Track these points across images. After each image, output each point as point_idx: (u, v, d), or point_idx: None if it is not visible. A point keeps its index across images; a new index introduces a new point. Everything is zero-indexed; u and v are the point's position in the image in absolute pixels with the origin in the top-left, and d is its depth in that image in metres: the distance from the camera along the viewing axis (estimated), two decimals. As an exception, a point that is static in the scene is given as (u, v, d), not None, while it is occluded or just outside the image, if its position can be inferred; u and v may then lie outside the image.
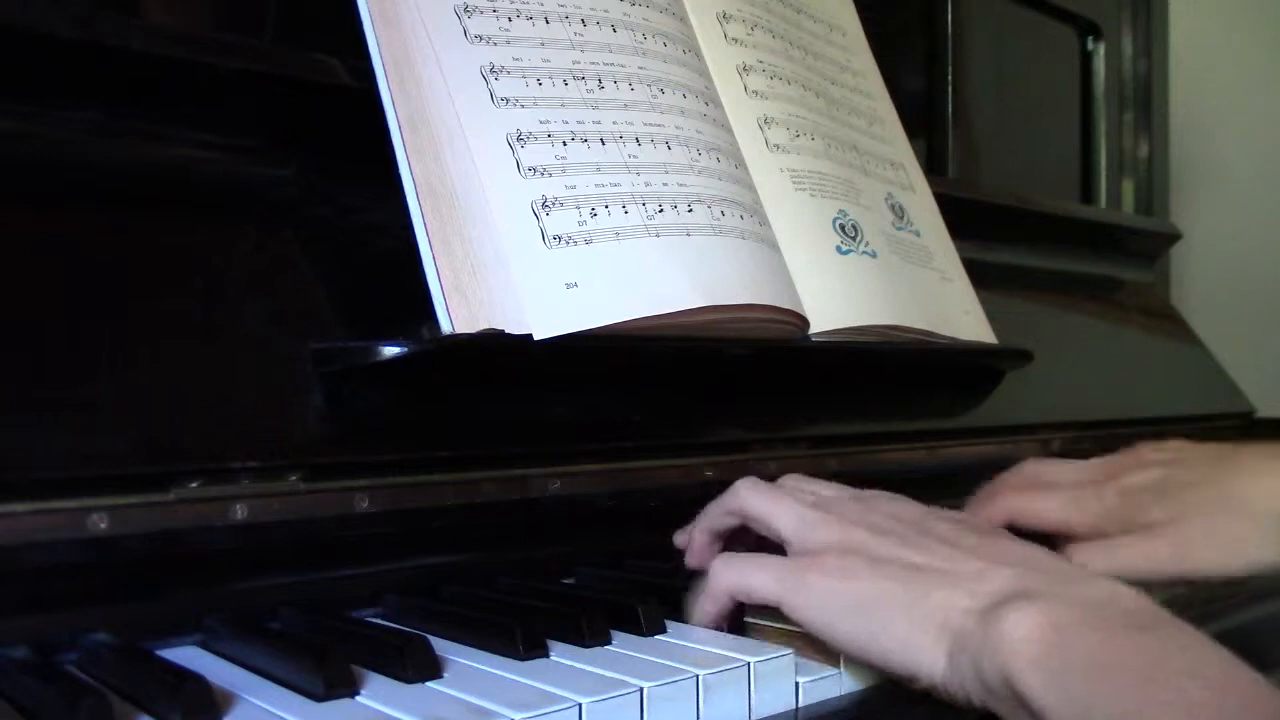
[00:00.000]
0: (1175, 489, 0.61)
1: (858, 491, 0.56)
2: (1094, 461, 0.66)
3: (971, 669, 0.44)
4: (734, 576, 0.52)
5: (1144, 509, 0.60)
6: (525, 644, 0.48)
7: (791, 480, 0.57)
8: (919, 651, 0.46)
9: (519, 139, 0.58)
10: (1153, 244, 1.27)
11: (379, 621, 0.56)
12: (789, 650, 0.48)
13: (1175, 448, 0.66)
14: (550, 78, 0.60)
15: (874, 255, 0.75)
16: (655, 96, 0.64)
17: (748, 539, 0.57)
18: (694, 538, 0.58)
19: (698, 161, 0.64)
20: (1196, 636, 0.41)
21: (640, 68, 0.64)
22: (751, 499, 0.55)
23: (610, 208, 0.59)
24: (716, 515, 0.57)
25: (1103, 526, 0.61)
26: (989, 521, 0.61)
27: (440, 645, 0.49)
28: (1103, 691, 0.39)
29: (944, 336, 0.78)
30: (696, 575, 0.55)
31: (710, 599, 0.52)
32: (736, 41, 0.74)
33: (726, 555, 0.54)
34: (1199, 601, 0.66)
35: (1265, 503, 0.58)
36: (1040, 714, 0.41)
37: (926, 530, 0.51)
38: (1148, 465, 0.64)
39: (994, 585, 0.45)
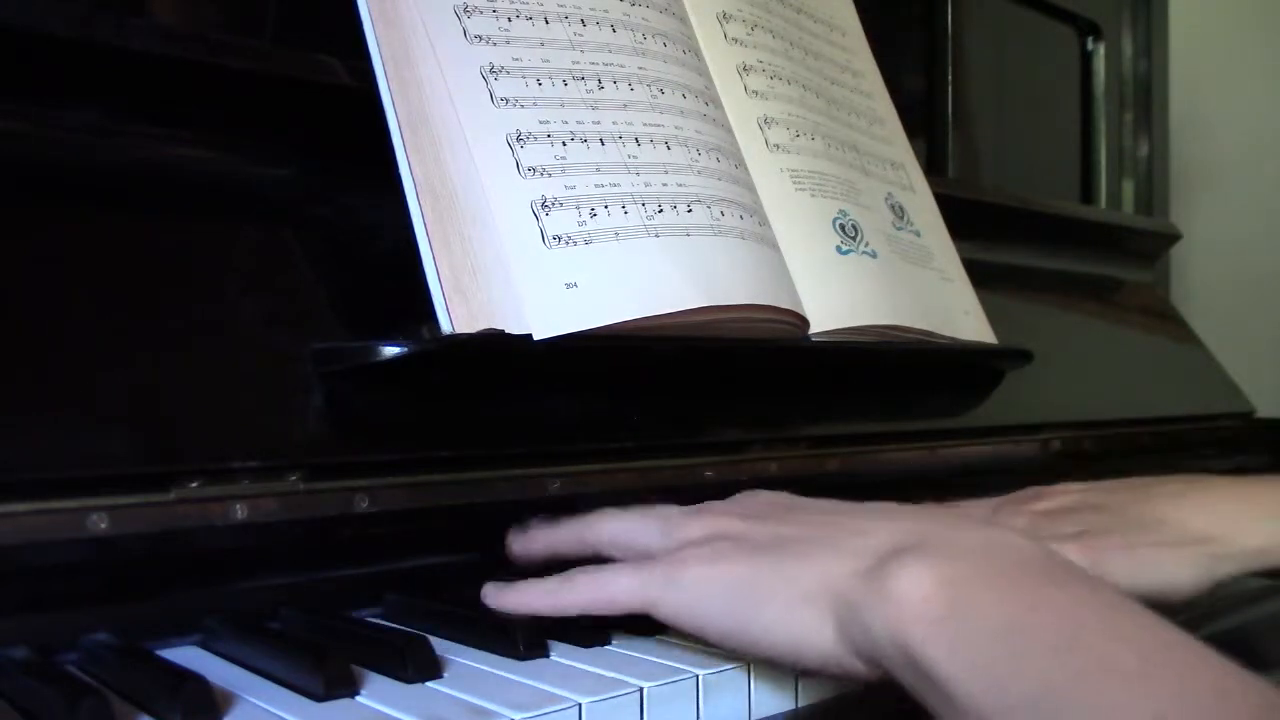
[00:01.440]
0: (1088, 511, 0.60)
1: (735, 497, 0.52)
2: (1012, 494, 0.66)
3: (864, 637, 0.39)
4: (590, 590, 0.47)
5: (1057, 526, 0.59)
6: (525, 644, 0.48)
7: (660, 507, 0.54)
8: (801, 627, 0.41)
9: (519, 139, 0.58)
10: (1153, 244, 1.27)
11: (379, 621, 0.56)
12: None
13: (1091, 485, 0.65)
14: (550, 78, 0.60)
15: (874, 255, 0.75)
16: (655, 97, 0.64)
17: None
18: (530, 542, 0.54)
19: (697, 161, 0.64)
20: (1106, 591, 0.38)
21: (640, 68, 0.64)
22: (607, 524, 0.51)
23: (610, 208, 0.59)
24: (565, 539, 0.53)
25: None
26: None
27: (440, 645, 0.49)
28: (1016, 661, 0.35)
29: (944, 336, 0.78)
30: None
31: (560, 608, 0.48)
32: (736, 41, 0.74)
33: (585, 568, 0.49)
34: (1197, 603, 0.66)
35: (1180, 528, 0.57)
36: (944, 685, 0.36)
37: (802, 507, 0.48)
38: (1056, 494, 0.63)
39: (873, 542, 0.41)
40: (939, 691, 0.37)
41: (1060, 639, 0.35)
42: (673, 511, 0.50)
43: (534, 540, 0.55)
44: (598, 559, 0.52)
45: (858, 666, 0.41)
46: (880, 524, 0.43)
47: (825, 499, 0.50)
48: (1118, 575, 0.54)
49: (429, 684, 0.45)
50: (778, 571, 0.43)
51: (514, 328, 0.54)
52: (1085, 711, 0.33)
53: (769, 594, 0.43)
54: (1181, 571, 0.56)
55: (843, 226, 0.73)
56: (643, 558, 0.48)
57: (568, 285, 0.56)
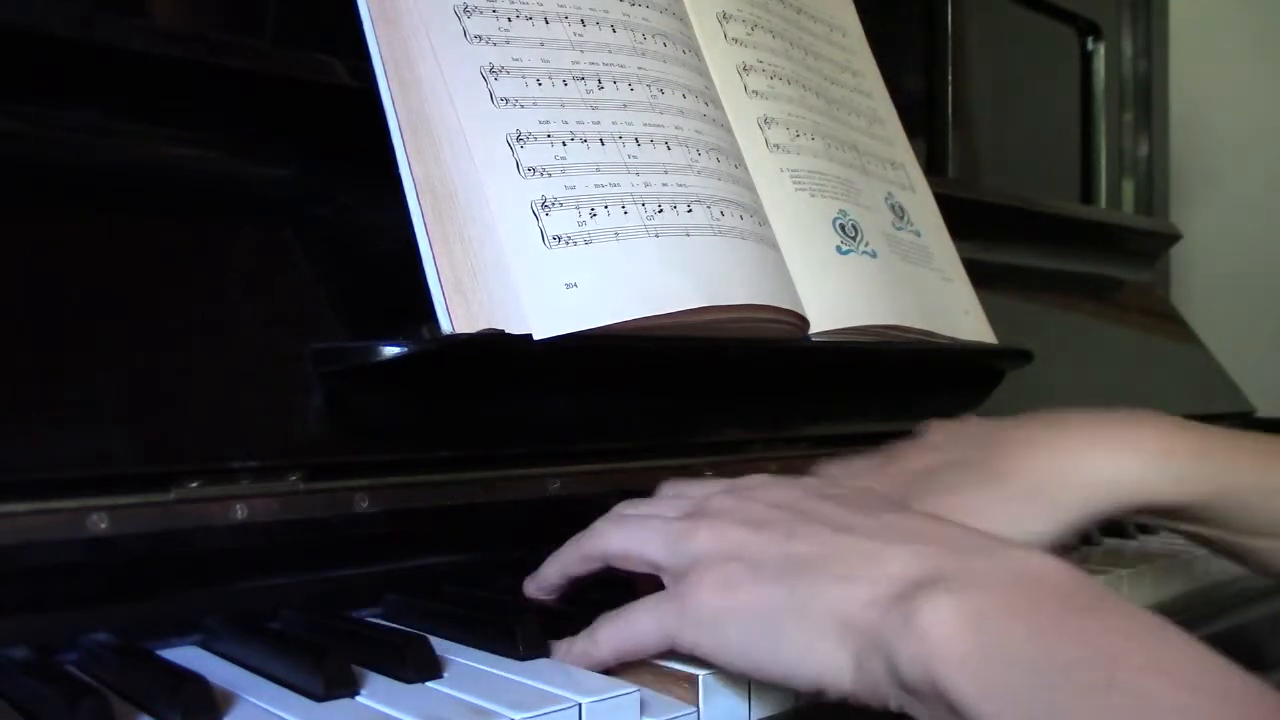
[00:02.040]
0: (939, 470, 0.59)
1: (732, 481, 0.51)
2: (873, 453, 0.64)
3: (886, 672, 0.38)
4: (618, 640, 0.46)
5: (916, 490, 0.57)
6: (525, 644, 0.48)
7: (666, 489, 0.53)
8: (821, 659, 0.40)
9: (519, 139, 0.58)
10: (1153, 244, 1.27)
11: (379, 621, 0.56)
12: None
13: (958, 425, 0.63)
14: (550, 78, 0.60)
15: (874, 255, 0.75)
16: (655, 97, 0.64)
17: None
18: (545, 578, 0.53)
19: (697, 161, 0.64)
20: (1145, 617, 0.36)
21: (640, 68, 0.64)
22: (611, 538, 0.50)
23: (610, 208, 0.59)
24: (574, 562, 0.52)
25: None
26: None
27: (440, 645, 0.49)
28: (1051, 701, 0.34)
29: (944, 336, 0.78)
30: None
31: (595, 664, 0.47)
32: (736, 41, 0.74)
33: (606, 616, 0.47)
34: (1196, 603, 0.66)
35: (1023, 478, 0.56)
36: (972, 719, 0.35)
37: (810, 514, 0.46)
38: (921, 449, 0.62)
39: (894, 569, 0.40)
40: None
41: (1096, 675, 0.34)
42: (673, 512, 0.49)
43: (546, 575, 0.54)
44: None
45: (880, 700, 0.40)
46: (897, 547, 0.41)
47: (830, 494, 0.48)
48: None
49: (429, 684, 0.45)
50: (795, 601, 0.42)
51: (514, 328, 0.54)
52: None
53: (787, 627, 0.42)
54: (1030, 526, 0.55)
55: (843, 226, 0.73)
56: (651, 569, 0.48)
57: (568, 285, 0.56)
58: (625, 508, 0.53)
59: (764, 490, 0.49)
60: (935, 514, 0.47)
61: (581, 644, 0.47)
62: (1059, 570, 0.39)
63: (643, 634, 0.46)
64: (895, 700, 0.39)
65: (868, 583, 0.40)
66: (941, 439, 0.62)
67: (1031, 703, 0.34)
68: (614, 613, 0.47)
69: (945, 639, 0.36)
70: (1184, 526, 0.58)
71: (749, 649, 0.42)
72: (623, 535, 0.50)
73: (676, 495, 0.52)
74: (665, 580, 0.47)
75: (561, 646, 0.48)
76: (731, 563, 0.44)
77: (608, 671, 0.46)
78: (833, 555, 0.43)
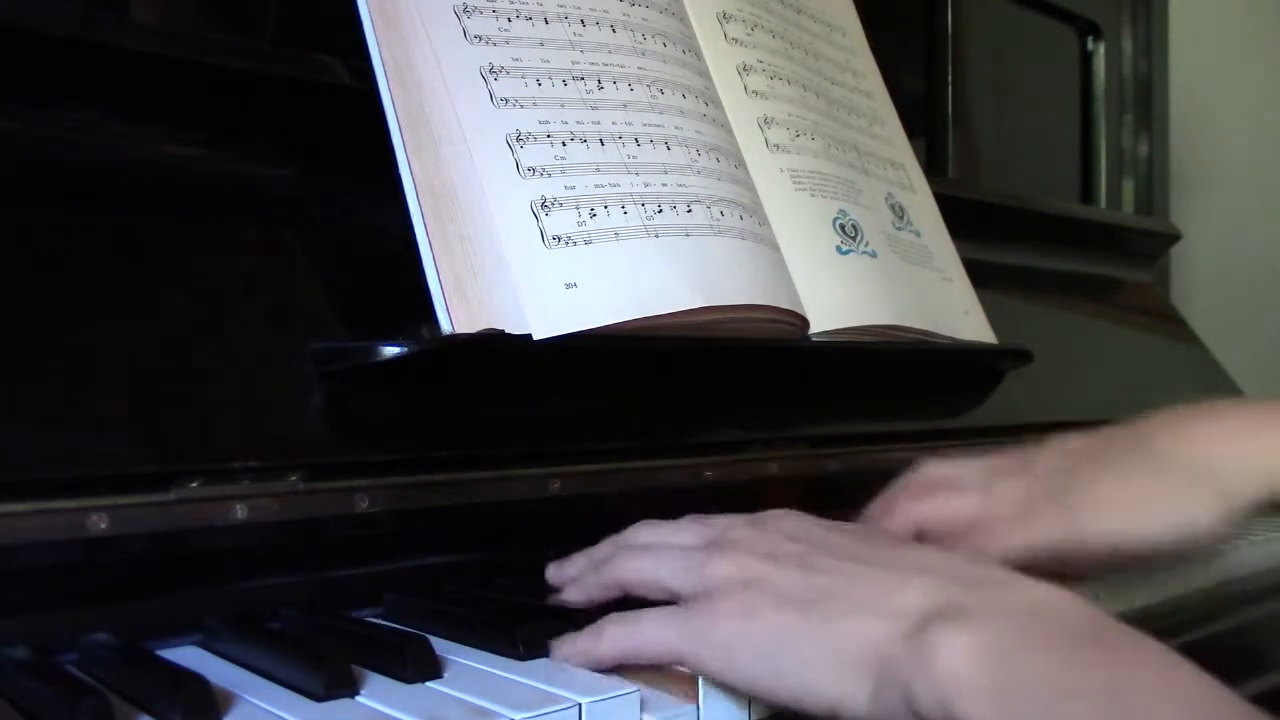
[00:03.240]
0: (1089, 463, 0.57)
1: (751, 515, 0.51)
2: (999, 456, 0.62)
3: (903, 702, 0.39)
4: (623, 642, 0.46)
5: (1061, 486, 0.56)
6: (525, 644, 0.48)
7: (686, 520, 0.53)
8: (836, 687, 0.41)
9: (518, 139, 0.58)
10: (1153, 244, 1.27)
11: (379, 621, 0.55)
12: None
13: (1078, 436, 0.61)
14: (550, 78, 0.60)
15: (874, 255, 0.75)
16: (655, 97, 0.64)
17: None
18: (568, 600, 0.53)
19: (697, 162, 0.64)
20: (1155, 647, 0.37)
21: (640, 68, 0.64)
22: (629, 566, 0.50)
23: (609, 208, 0.59)
24: (594, 588, 0.52)
25: (1023, 514, 0.56)
26: (893, 533, 0.57)
27: (440, 645, 0.49)
28: None
29: (944, 336, 0.78)
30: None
31: (593, 662, 0.47)
32: (736, 41, 0.74)
33: (614, 616, 0.48)
34: (1196, 603, 0.66)
35: (1182, 465, 0.54)
36: None
37: (827, 547, 0.46)
38: (1055, 451, 0.60)
39: (910, 601, 0.41)
40: None
41: (1109, 705, 0.35)
42: (695, 543, 0.49)
43: (571, 598, 0.53)
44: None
45: None
46: (913, 580, 0.42)
47: (848, 530, 0.49)
48: (1136, 527, 0.53)
49: (429, 684, 0.45)
50: (813, 630, 0.42)
51: (514, 328, 0.54)
52: None
53: (805, 653, 0.42)
54: (1197, 513, 0.54)
55: (843, 226, 0.73)
56: (668, 596, 0.48)
57: (567, 285, 0.56)
58: (643, 530, 0.53)
59: (779, 522, 0.49)
60: (1082, 501, 0.48)
61: (586, 640, 0.47)
62: (1071, 603, 0.40)
63: (650, 643, 0.46)
64: None
65: (884, 614, 0.41)
66: (1065, 444, 0.60)
67: None
68: (623, 615, 0.47)
69: (961, 671, 0.37)
70: None
71: (760, 673, 0.43)
72: (639, 564, 0.50)
73: (696, 522, 0.52)
74: (682, 601, 0.47)
75: (563, 641, 0.48)
76: (750, 590, 0.45)
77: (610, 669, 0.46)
78: (850, 586, 0.43)
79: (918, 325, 0.75)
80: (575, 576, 0.54)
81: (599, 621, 0.48)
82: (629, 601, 0.50)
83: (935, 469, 0.62)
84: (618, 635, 0.47)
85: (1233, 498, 0.54)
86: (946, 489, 0.60)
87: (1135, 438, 0.57)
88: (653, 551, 0.50)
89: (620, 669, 0.47)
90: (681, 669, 0.45)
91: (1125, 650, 0.37)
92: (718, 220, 0.63)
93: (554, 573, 0.55)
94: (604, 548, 0.53)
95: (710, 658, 0.44)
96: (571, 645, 0.48)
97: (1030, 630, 0.38)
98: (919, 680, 0.38)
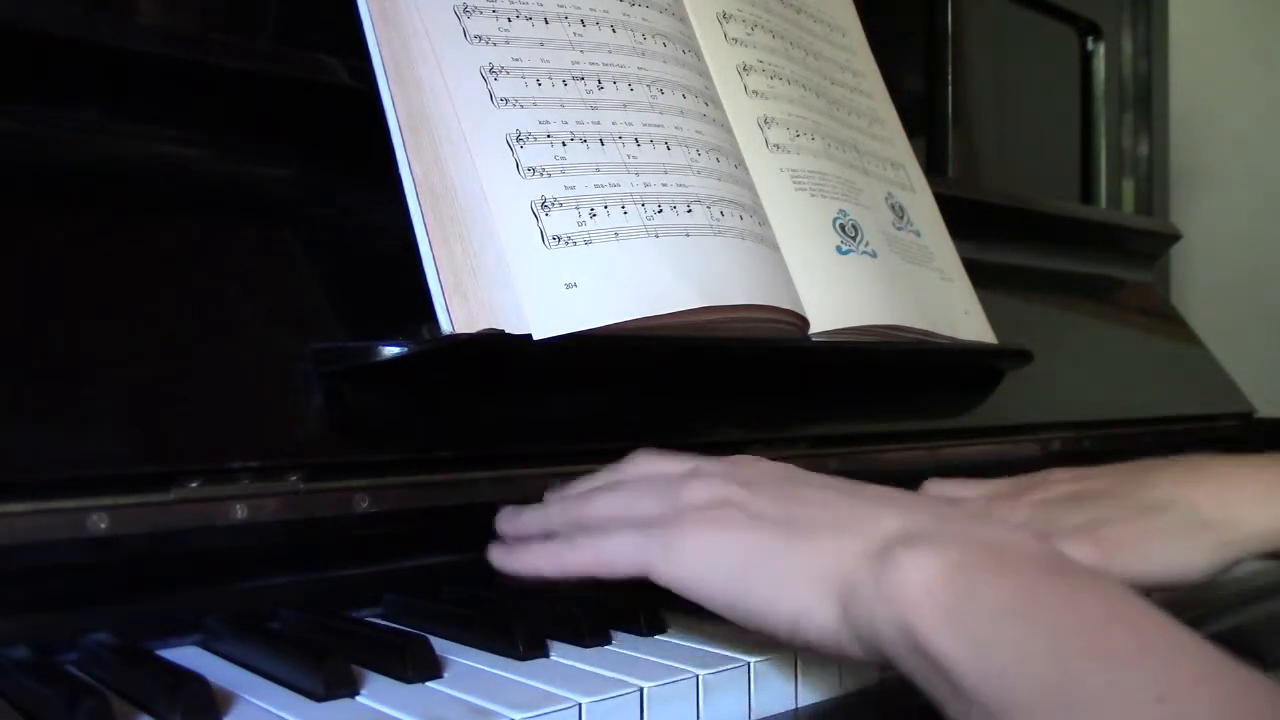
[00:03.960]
0: (1092, 498, 0.59)
1: (719, 459, 0.51)
2: (1000, 480, 0.64)
3: (867, 620, 0.39)
4: (591, 552, 0.46)
5: (1062, 517, 0.58)
6: (525, 644, 0.48)
7: (656, 458, 0.52)
8: (803, 603, 0.41)
9: (518, 139, 0.58)
10: (1153, 244, 1.27)
11: (379, 621, 0.56)
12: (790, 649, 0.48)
13: (1082, 470, 0.64)
14: (549, 78, 0.60)
15: (874, 255, 0.75)
16: (654, 97, 0.64)
17: None
18: (524, 528, 0.51)
19: (697, 162, 0.64)
20: (1111, 583, 0.38)
21: (640, 68, 0.64)
22: (599, 501, 0.49)
23: (609, 208, 0.59)
24: (560, 522, 0.50)
25: None
26: None
27: (440, 645, 0.49)
28: (1021, 647, 0.35)
29: (944, 336, 0.78)
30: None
31: (561, 569, 0.47)
32: (736, 41, 0.74)
33: (585, 530, 0.48)
34: (1196, 603, 0.66)
35: (1189, 512, 0.56)
36: (948, 671, 0.36)
37: (805, 482, 0.47)
38: (1058, 482, 0.62)
39: (883, 526, 0.41)
40: (945, 677, 0.37)
41: (1062, 622, 0.36)
42: (669, 475, 0.49)
43: (526, 525, 0.52)
44: None
45: (855, 649, 0.41)
46: (888, 509, 0.43)
47: (824, 475, 0.49)
48: (1129, 564, 0.54)
49: (429, 684, 0.45)
50: (783, 546, 0.43)
51: (514, 328, 0.54)
52: (1087, 692, 0.34)
53: (772, 568, 0.42)
54: (1192, 557, 0.55)
55: (843, 226, 0.73)
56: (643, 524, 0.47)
57: (567, 285, 0.56)
58: (607, 473, 0.52)
59: (759, 464, 0.50)
60: (1079, 540, 0.51)
61: (556, 546, 0.48)
62: (1039, 546, 0.40)
63: (620, 555, 0.46)
64: (865, 651, 0.40)
65: (859, 538, 0.41)
66: (1069, 475, 0.62)
67: (999, 646, 0.36)
68: (594, 531, 0.48)
69: (924, 589, 0.38)
70: None
71: (730, 583, 0.43)
72: (612, 499, 0.49)
73: (661, 467, 0.51)
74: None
75: (531, 549, 0.48)
76: (726, 507, 0.45)
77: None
78: (825, 512, 0.44)
79: (918, 325, 0.75)
80: (531, 530, 0.52)
81: (570, 533, 0.48)
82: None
83: (938, 486, 0.64)
84: (590, 547, 0.47)
85: (1230, 549, 0.56)
86: (962, 505, 0.61)
87: (1138, 479, 0.59)
88: (622, 490, 0.50)
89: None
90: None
91: (1077, 578, 0.38)
92: (718, 220, 0.63)
93: (508, 524, 0.53)
94: (554, 504, 0.52)
95: (677, 567, 0.44)
96: (541, 551, 0.48)
97: (995, 558, 0.39)
98: (881, 598, 0.39)
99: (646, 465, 0.52)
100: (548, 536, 0.50)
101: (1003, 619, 0.36)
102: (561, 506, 0.51)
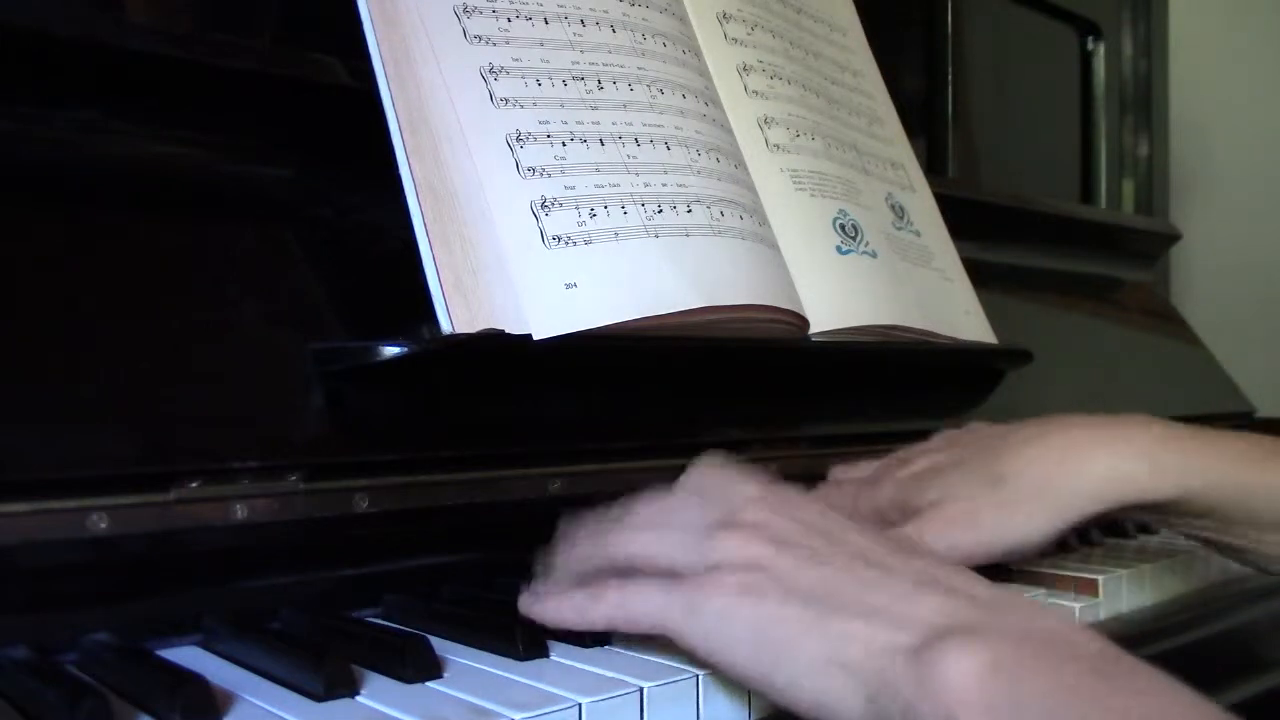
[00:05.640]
0: (945, 471, 0.60)
1: (768, 492, 0.49)
2: (891, 455, 0.66)
3: (901, 715, 0.38)
4: (614, 606, 0.46)
5: (918, 494, 0.60)
6: (525, 644, 0.48)
7: (691, 480, 0.51)
8: (830, 690, 0.40)
9: (518, 139, 0.58)
10: (1152, 244, 1.27)
11: (379, 621, 0.56)
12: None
13: (963, 432, 0.66)
14: (549, 78, 0.60)
15: (874, 255, 0.75)
16: (654, 97, 0.64)
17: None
18: (550, 591, 0.50)
19: (697, 162, 0.64)
20: (1158, 678, 0.37)
21: (639, 68, 0.64)
22: (635, 539, 0.48)
23: (609, 208, 0.59)
24: (590, 560, 0.50)
25: (885, 517, 0.61)
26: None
27: (440, 645, 0.49)
28: None
29: (944, 336, 0.78)
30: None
31: (587, 622, 0.47)
32: (736, 41, 0.74)
33: (614, 581, 0.47)
34: (1196, 603, 0.66)
35: (1019, 482, 0.58)
36: None
37: (840, 542, 0.45)
38: (923, 453, 0.64)
39: (920, 613, 0.40)
40: None
41: None
42: (700, 524, 0.47)
43: (559, 577, 0.51)
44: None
45: None
46: (926, 593, 0.41)
47: (867, 531, 0.47)
48: (968, 543, 0.56)
49: (429, 684, 0.45)
50: (813, 625, 0.41)
51: (514, 328, 0.54)
52: None
53: (800, 646, 0.41)
54: (1028, 525, 0.57)
55: (843, 226, 0.73)
56: (670, 572, 0.46)
57: (567, 285, 0.56)
58: (644, 507, 0.51)
59: (799, 511, 0.47)
60: (948, 530, 0.53)
61: (581, 597, 0.47)
62: (1081, 634, 0.40)
63: (643, 615, 0.45)
64: None
65: (894, 624, 0.40)
66: (943, 443, 0.65)
67: None
68: (621, 583, 0.47)
69: (969, 690, 0.37)
70: (1180, 524, 0.59)
71: (755, 656, 0.42)
72: (642, 538, 0.48)
73: (707, 493, 0.50)
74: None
75: (557, 598, 0.48)
76: (754, 572, 0.43)
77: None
78: (860, 589, 0.42)
79: (918, 325, 0.75)
80: (563, 575, 0.51)
81: (596, 585, 0.47)
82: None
83: (842, 471, 0.68)
84: (612, 602, 0.46)
85: (1064, 511, 0.57)
86: (851, 487, 0.65)
87: (993, 448, 0.60)
88: (652, 530, 0.49)
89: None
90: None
91: (1123, 677, 0.37)
92: (718, 220, 0.63)
93: (541, 567, 0.52)
94: (584, 541, 0.51)
95: (709, 636, 0.43)
96: (567, 601, 0.47)
97: (1041, 655, 0.38)
98: (923, 695, 0.37)
99: (705, 481, 0.51)
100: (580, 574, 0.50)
101: (1045, 716, 0.36)
102: (588, 544, 0.50)
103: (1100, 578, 0.62)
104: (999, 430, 0.63)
